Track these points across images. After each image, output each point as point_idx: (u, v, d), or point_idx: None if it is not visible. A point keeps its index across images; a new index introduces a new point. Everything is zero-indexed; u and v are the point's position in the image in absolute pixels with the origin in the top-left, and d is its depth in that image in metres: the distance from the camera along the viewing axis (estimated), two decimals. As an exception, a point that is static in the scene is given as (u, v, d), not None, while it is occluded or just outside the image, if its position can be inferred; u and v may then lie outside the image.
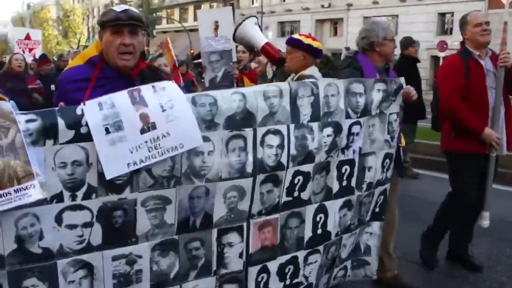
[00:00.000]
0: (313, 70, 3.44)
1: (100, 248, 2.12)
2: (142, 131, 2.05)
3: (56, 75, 6.93)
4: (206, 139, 2.23)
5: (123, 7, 2.34)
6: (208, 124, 2.24)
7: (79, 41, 53.35)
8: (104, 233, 2.11)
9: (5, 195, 1.83)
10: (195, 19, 49.23)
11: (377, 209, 3.11)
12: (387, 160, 2.99)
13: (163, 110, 2.10)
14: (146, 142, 2.06)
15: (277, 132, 2.46)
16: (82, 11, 61.01)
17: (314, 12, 37.84)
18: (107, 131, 1.99)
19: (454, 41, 25.85)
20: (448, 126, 3.87)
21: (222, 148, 2.31)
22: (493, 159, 3.74)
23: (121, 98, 2.04)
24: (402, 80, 2.95)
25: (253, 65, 4.83)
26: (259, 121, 2.39)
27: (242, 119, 2.34)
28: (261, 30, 4.17)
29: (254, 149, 2.40)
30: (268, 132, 2.43)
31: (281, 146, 2.47)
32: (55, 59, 12.97)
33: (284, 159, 2.49)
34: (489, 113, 3.68)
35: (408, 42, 7.02)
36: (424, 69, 24.92)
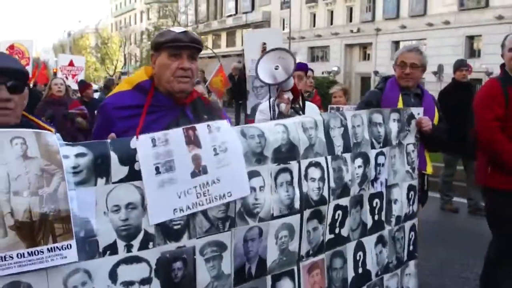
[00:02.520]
0: None
1: (159, 309, 1.80)
2: (193, 175, 1.85)
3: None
4: (256, 173, 2.07)
5: (181, 28, 2.16)
6: (258, 157, 2.08)
7: (115, 67, 56.67)
8: (164, 291, 1.81)
9: (36, 253, 1.53)
10: (228, 45, 51.14)
11: (411, 247, 3.00)
12: (412, 193, 2.96)
13: (216, 154, 1.92)
14: (196, 187, 1.85)
15: (317, 165, 2.35)
16: (119, 38, 63.81)
17: (343, 37, 38.61)
18: (157, 170, 1.77)
19: (483, 64, 26.60)
20: (484, 159, 3.51)
21: (272, 183, 2.15)
22: None
23: (175, 135, 1.84)
24: (414, 110, 2.99)
25: None
26: (302, 153, 2.28)
27: (287, 152, 2.21)
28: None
29: (299, 183, 2.26)
30: (310, 165, 2.32)
31: (322, 179, 2.36)
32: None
33: (325, 193, 2.37)
34: None
35: (456, 66, 6.47)
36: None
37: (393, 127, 2.82)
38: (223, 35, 51.72)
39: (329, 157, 2.41)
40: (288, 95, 3.09)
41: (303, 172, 2.28)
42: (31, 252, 1.51)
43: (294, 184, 2.23)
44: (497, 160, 3.36)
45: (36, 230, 1.53)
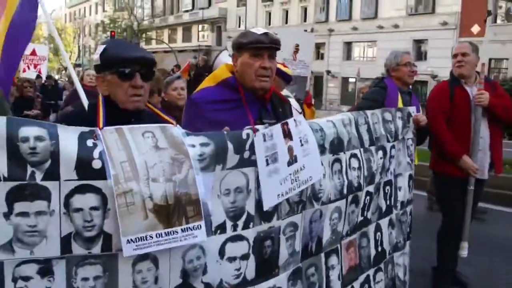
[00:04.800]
0: (286, 92, 3.79)
1: (252, 283, 2.04)
2: (289, 164, 2.11)
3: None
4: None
5: (261, 30, 2.33)
6: (321, 148, 2.36)
7: (70, 59, 50.50)
8: (256, 265, 2.04)
9: (172, 233, 1.71)
10: (184, 40, 49.22)
11: (407, 229, 3.43)
12: (411, 181, 3.39)
13: (301, 145, 2.18)
14: (290, 174, 2.11)
15: (355, 156, 2.68)
16: (73, 29, 60.38)
17: (297, 36, 38.38)
18: (267, 162, 2.01)
19: (428, 67, 27.57)
20: (434, 147, 4.08)
21: (329, 171, 2.44)
22: (471, 192, 3.83)
23: (277, 131, 2.07)
24: (410, 109, 3.43)
25: None
26: (345, 146, 2.60)
27: (337, 144, 2.52)
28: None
29: (346, 171, 2.58)
30: (351, 156, 2.64)
31: (359, 168, 2.69)
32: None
33: (361, 180, 2.71)
34: (470, 136, 3.82)
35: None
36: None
37: (399, 124, 3.22)
38: (179, 30, 51.11)
39: (361, 149, 2.75)
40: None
41: (347, 162, 2.60)
42: (168, 232, 1.69)
43: (343, 173, 2.55)
44: (439, 147, 3.95)
45: (171, 212, 1.70)
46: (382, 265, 3.01)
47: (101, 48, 1.95)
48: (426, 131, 3.57)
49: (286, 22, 40.11)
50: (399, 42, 29.64)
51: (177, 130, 1.81)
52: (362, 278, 2.80)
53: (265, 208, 2.01)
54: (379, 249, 2.99)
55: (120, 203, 1.59)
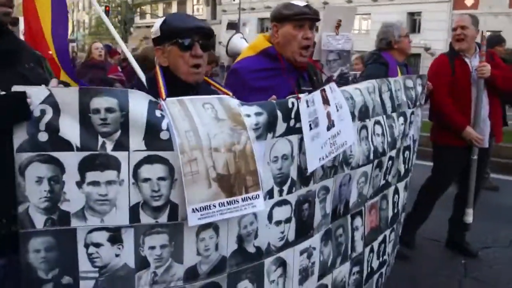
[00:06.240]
0: None
1: (292, 244, 2.15)
2: (328, 128, 2.18)
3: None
4: (352, 129, 2.44)
5: (302, 2, 2.38)
6: (351, 116, 2.44)
7: None
8: (296, 228, 2.14)
9: (233, 202, 1.78)
10: None
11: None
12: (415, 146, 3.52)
13: (337, 110, 2.25)
14: (329, 138, 2.19)
15: (379, 123, 2.77)
16: (68, 4, 55.34)
17: (292, 10, 37.59)
18: (310, 127, 2.08)
19: (422, 39, 27.40)
20: (436, 119, 4.22)
21: (357, 137, 2.53)
22: (475, 161, 3.99)
23: (317, 96, 2.13)
24: (425, 76, 3.52)
25: None
26: (370, 113, 2.68)
27: (364, 111, 2.60)
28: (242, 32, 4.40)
29: (372, 137, 2.67)
30: (375, 123, 2.73)
31: (383, 134, 2.79)
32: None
33: (385, 146, 2.81)
34: (472, 108, 3.96)
35: (495, 41, 6.26)
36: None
37: (419, 90, 3.31)
38: (174, 4, 49.61)
39: (384, 116, 2.84)
40: None
41: (372, 129, 2.68)
42: (229, 201, 1.75)
43: (369, 139, 2.64)
44: (442, 118, 4.08)
45: (232, 182, 1.76)
46: (395, 226, 3.17)
47: (160, 20, 1.97)
48: (426, 98, 3.68)
49: (281, -5, 39.53)
50: (393, 15, 28.93)
51: (233, 101, 1.86)
52: (380, 238, 2.95)
53: (309, 171, 2.10)
54: (395, 210, 3.14)
55: (186, 172, 1.64)
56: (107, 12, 32.02)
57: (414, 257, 4.25)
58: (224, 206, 1.73)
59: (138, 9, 48.93)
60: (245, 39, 4.41)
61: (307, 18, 2.39)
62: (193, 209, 1.66)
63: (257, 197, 1.81)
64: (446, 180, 4.25)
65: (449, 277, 3.96)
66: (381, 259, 3.00)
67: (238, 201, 1.77)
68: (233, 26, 35.41)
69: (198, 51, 1.94)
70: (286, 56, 2.43)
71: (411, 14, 31.37)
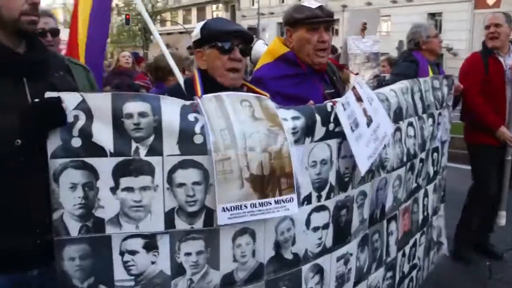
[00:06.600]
0: None
1: (330, 250, 2.08)
2: (368, 125, 2.11)
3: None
4: (385, 132, 2.36)
5: (315, 3, 2.30)
6: (386, 118, 2.36)
7: None
8: (334, 234, 2.07)
9: (266, 204, 1.71)
10: (198, 20, 47.60)
11: (442, 192, 3.49)
12: (447, 147, 3.42)
13: (370, 104, 2.18)
14: (371, 134, 2.12)
15: (411, 124, 2.69)
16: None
17: (311, 13, 37.69)
18: (351, 129, 2.01)
19: (444, 40, 27.96)
20: (468, 119, 4.11)
21: (392, 140, 2.45)
22: (509, 163, 3.89)
23: (351, 97, 2.07)
24: (451, 77, 3.43)
25: None
26: (404, 114, 2.60)
27: (398, 113, 2.52)
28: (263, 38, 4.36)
29: (405, 140, 2.59)
30: (408, 125, 2.65)
31: (415, 136, 2.71)
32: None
33: (417, 148, 2.73)
34: (506, 107, 3.86)
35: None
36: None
37: (445, 91, 3.22)
38: (194, 11, 50.29)
39: (416, 117, 2.76)
40: None
41: (406, 130, 2.60)
42: (262, 203, 1.69)
43: (402, 141, 2.56)
44: (475, 118, 3.95)
45: (265, 183, 1.70)
46: (425, 229, 3.07)
47: (201, 23, 1.96)
48: (458, 98, 3.57)
49: (300, -1, 39.56)
50: (413, 17, 28.66)
51: (271, 103, 1.80)
52: (411, 242, 2.86)
53: (362, 173, 2.04)
54: (425, 213, 3.05)
55: (218, 170, 1.59)
56: (127, 21, 33.08)
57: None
58: (255, 207, 1.67)
59: (158, 17, 49.52)
60: (266, 44, 4.38)
61: (321, 21, 2.31)
62: (223, 208, 1.60)
63: (291, 200, 1.75)
64: (488, 178, 4.00)
65: (474, 279, 3.87)
66: (411, 263, 2.91)
67: (270, 203, 1.70)
68: (253, 31, 35.60)
69: (237, 54, 1.92)
70: (304, 60, 2.36)
71: (432, 15, 31.07)
